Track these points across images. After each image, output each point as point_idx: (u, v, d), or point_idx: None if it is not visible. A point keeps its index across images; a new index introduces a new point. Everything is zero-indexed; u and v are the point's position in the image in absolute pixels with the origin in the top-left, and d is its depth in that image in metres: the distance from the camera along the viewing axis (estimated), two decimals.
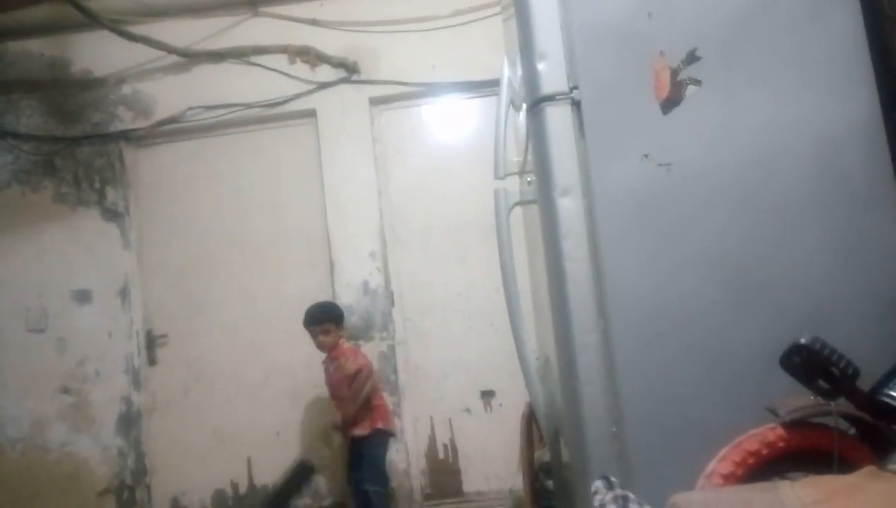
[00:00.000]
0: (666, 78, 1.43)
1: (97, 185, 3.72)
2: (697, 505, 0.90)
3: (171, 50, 3.66)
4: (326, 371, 3.18)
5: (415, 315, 3.56)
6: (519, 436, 2.29)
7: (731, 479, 1.11)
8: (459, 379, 3.46)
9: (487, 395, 3.45)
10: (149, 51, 3.64)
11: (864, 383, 1.13)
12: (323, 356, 3.19)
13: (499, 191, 1.75)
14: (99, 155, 3.72)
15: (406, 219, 3.64)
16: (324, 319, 3.17)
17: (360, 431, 3.06)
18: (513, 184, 1.84)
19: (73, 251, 3.67)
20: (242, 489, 3.53)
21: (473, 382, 3.45)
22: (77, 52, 3.80)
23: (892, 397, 1.10)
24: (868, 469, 0.94)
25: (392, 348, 3.50)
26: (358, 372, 3.05)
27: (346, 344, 3.20)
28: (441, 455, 3.45)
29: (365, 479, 3.02)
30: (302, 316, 3.18)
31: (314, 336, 3.16)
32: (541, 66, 1.47)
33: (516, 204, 1.76)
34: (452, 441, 3.45)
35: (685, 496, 0.95)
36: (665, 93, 1.42)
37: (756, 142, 1.40)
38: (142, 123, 3.73)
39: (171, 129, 3.72)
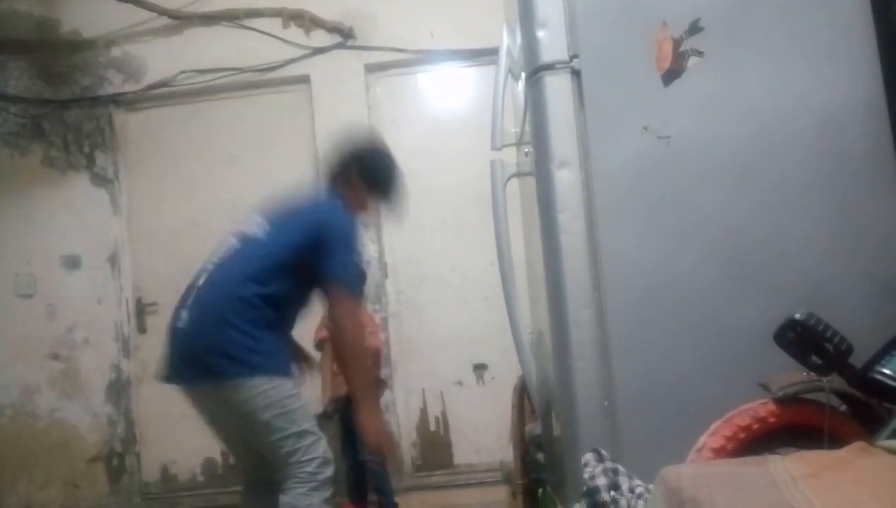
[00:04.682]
0: (668, 48, 1.40)
1: (86, 149, 3.66)
2: (687, 478, 0.90)
3: (162, 11, 3.58)
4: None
5: (408, 287, 3.55)
6: (511, 410, 2.31)
7: (721, 453, 1.11)
8: (452, 352, 3.47)
9: (480, 368, 3.46)
10: (139, 12, 3.57)
11: (857, 361, 1.13)
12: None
13: (495, 162, 1.73)
14: (88, 118, 3.66)
15: None
16: None
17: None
18: (510, 156, 1.82)
19: (62, 216, 3.63)
20: (232, 458, 3.54)
21: (466, 355, 3.46)
22: (66, 12, 3.71)
23: (883, 374, 1.10)
24: (858, 445, 0.95)
25: (385, 320, 3.49)
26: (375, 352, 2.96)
27: (364, 311, 3.16)
28: (432, 428, 3.47)
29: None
30: None
31: None
32: (541, 34, 1.43)
33: (513, 175, 1.74)
34: (444, 413, 3.47)
35: (674, 468, 0.95)
36: (667, 64, 1.40)
37: (757, 117, 1.38)
38: (132, 87, 3.66)
39: (162, 93, 3.65)
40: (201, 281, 1.89)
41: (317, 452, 1.82)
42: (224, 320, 1.78)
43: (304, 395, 1.91)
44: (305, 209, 1.96)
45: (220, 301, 1.82)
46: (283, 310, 1.87)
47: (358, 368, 1.90)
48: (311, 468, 1.80)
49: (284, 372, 1.85)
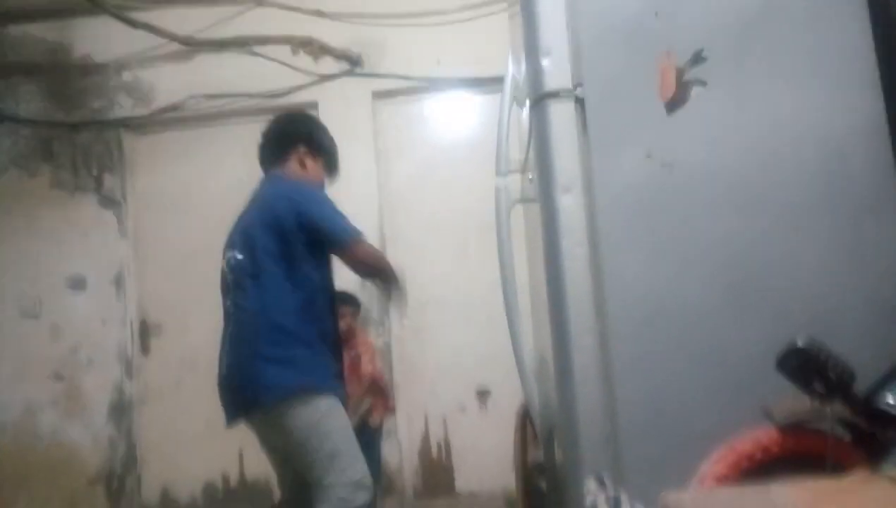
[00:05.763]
0: (671, 78, 1.42)
1: (95, 172, 3.70)
2: (689, 504, 0.89)
3: (173, 37, 3.64)
4: None
5: (412, 311, 3.55)
6: (513, 436, 2.29)
7: (723, 482, 1.10)
8: (455, 376, 3.46)
9: (483, 394, 3.45)
10: (150, 38, 3.63)
11: (861, 386, 1.13)
12: None
13: (500, 188, 1.75)
14: (97, 141, 3.71)
15: (406, 214, 3.63)
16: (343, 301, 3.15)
17: (376, 418, 3.00)
18: (514, 182, 1.84)
19: (69, 237, 3.65)
20: (233, 482, 3.51)
21: (469, 380, 3.45)
22: (78, 37, 3.78)
23: (887, 403, 1.10)
24: (861, 474, 0.94)
25: (388, 344, 3.49)
26: (371, 380, 2.96)
27: (363, 336, 3.15)
28: (434, 454, 3.44)
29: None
30: None
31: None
32: (545, 62, 1.46)
33: (517, 201, 1.75)
34: (446, 439, 3.44)
35: (676, 495, 0.95)
36: (670, 93, 1.41)
37: (760, 144, 1.39)
38: (142, 111, 3.71)
39: (171, 118, 3.70)
40: (231, 328, 1.93)
41: (351, 476, 1.77)
42: (254, 354, 1.82)
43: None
44: (267, 200, 2.04)
45: (248, 338, 1.87)
46: (312, 301, 1.88)
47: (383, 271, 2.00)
48: (343, 493, 1.75)
49: (321, 389, 1.83)
